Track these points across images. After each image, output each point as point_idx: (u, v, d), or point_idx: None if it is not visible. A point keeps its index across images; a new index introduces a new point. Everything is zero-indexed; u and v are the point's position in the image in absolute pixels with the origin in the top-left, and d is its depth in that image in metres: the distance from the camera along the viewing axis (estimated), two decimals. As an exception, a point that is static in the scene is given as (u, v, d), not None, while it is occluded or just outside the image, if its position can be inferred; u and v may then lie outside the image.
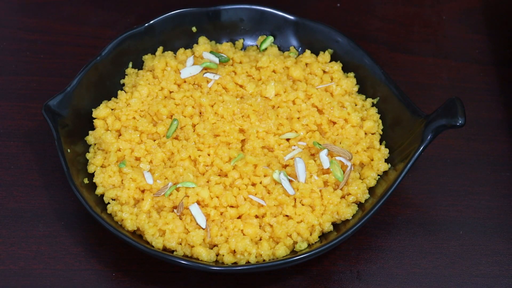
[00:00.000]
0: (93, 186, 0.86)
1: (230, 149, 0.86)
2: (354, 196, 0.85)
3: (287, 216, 0.84)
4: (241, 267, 0.80)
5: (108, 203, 0.85)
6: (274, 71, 0.93)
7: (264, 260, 0.82)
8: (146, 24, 0.92)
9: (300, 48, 0.95)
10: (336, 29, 0.93)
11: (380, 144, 0.89)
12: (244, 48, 0.96)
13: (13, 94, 0.96)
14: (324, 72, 0.93)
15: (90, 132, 0.89)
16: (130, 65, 0.93)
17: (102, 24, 1.03)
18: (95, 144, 0.88)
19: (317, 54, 0.94)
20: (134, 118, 0.89)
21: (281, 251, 0.82)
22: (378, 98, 0.91)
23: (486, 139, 0.95)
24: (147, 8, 1.04)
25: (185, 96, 0.90)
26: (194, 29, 0.95)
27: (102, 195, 0.85)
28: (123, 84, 0.92)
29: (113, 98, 0.91)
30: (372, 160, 0.88)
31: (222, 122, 0.88)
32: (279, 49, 0.96)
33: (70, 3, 1.04)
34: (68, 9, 1.04)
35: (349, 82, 0.92)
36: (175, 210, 0.83)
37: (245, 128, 0.88)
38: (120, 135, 0.88)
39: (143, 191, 0.85)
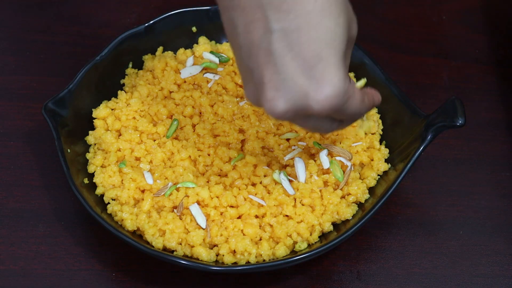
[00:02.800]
0: (93, 186, 0.86)
1: (230, 149, 0.86)
2: (354, 196, 0.85)
3: (287, 216, 0.84)
4: (241, 267, 0.80)
5: (108, 203, 0.85)
6: (274, 71, 0.93)
7: (264, 260, 0.82)
8: (146, 24, 0.92)
9: (300, 48, 0.95)
10: (336, 29, 0.93)
11: (380, 144, 0.89)
12: (244, 48, 0.96)
13: (13, 94, 0.96)
14: (324, 72, 0.93)
15: (90, 132, 0.89)
16: (130, 65, 0.93)
17: (102, 24, 1.03)
18: (95, 144, 0.88)
19: (317, 54, 0.94)
20: (134, 118, 0.89)
21: (281, 251, 0.82)
22: (378, 98, 0.91)
23: (486, 139, 0.95)
24: (147, 8, 1.04)
25: (185, 96, 0.90)
26: (194, 29, 0.95)
27: (102, 195, 0.85)
28: (123, 84, 0.92)
29: (113, 98, 0.91)
30: (372, 160, 0.88)
31: (222, 122, 0.88)
32: (279, 49, 0.95)
33: (70, 3, 1.04)
34: (68, 9, 1.03)
35: (349, 82, 0.92)
36: (175, 210, 0.83)
37: (245, 128, 0.88)
38: (120, 135, 0.88)
39: (143, 191, 0.85)
